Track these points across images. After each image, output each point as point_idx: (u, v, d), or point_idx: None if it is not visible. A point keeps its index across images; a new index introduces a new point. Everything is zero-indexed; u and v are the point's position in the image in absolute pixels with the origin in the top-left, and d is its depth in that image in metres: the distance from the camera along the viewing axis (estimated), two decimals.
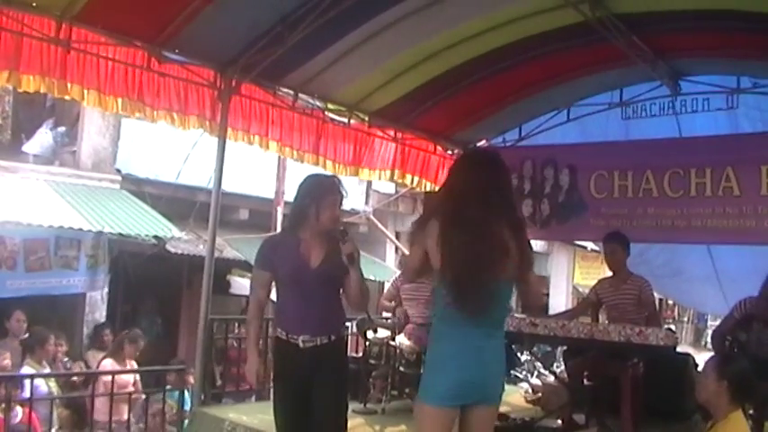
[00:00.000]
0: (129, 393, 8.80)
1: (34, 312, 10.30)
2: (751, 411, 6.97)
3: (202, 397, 7.73)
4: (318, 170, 8.76)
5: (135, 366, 9.74)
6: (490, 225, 4.06)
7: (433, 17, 7.56)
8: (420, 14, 7.48)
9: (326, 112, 9.04)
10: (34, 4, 6.17)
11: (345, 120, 9.23)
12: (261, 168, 13.08)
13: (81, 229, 10.59)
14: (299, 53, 7.63)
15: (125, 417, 8.78)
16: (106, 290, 12.23)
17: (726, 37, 7.99)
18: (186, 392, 8.72)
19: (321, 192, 5.08)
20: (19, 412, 7.81)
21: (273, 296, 5.27)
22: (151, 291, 14.19)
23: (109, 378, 8.47)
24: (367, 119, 9.36)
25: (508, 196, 4.37)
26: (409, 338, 7.56)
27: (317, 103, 8.88)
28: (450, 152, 10.77)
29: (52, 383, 8.72)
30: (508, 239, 4.09)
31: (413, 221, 4.88)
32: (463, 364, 3.97)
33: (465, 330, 3.99)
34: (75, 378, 9.42)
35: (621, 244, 7.87)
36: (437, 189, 4.64)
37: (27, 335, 9.56)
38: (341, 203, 5.13)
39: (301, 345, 4.92)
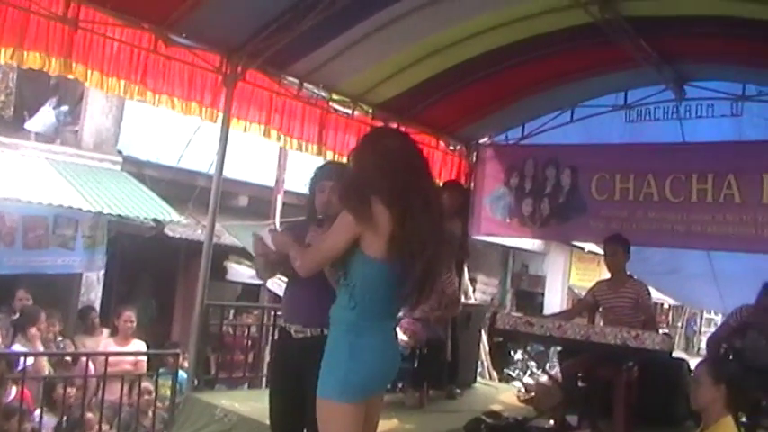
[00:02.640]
0: (120, 374, 8.79)
1: (29, 290, 10.27)
2: (743, 419, 6.99)
3: (195, 382, 7.72)
4: (320, 160, 8.75)
5: (143, 345, 9.74)
6: (440, 209, 3.93)
7: (442, 12, 7.55)
8: (429, 9, 7.47)
9: (330, 103, 9.02)
10: None
11: (349, 111, 9.21)
12: (262, 156, 13.06)
13: (80, 209, 10.59)
14: (307, 42, 7.61)
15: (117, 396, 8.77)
16: (103, 271, 12.21)
17: (732, 44, 7.98)
18: (183, 375, 8.69)
19: (316, 178, 5.05)
20: (13, 391, 7.80)
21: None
22: (147, 273, 14.21)
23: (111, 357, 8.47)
24: (371, 111, 9.35)
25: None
26: (404, 333, 7.55)
27: (322, 93, 8.86)
28: (452, 148, 10.77)
29: (44, 362, 8.70)
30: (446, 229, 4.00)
31: (320, 200, 4.78)
32: (386, 356, 3.85)
33: (385, 323, 3.87)
34: (67, 358, 9.38)
35: (622, 246, 7.86)
36: (349, 159, 4.08)
37: (18, 314, 9.52)
38: (335, 188, 4.71)
39: (293, 334, 4.89)
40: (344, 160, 6.09)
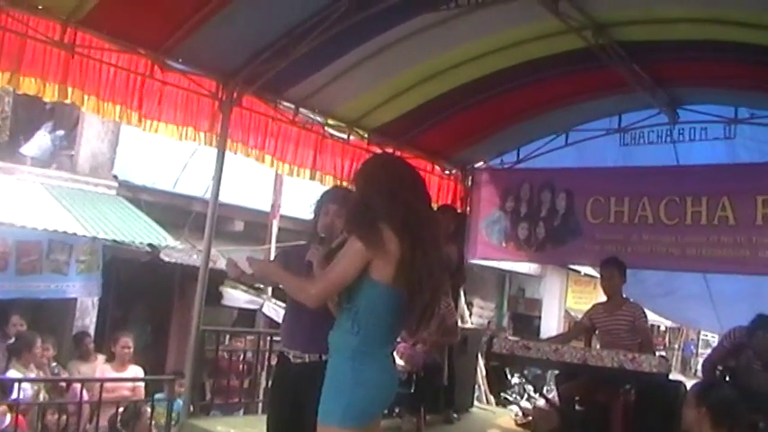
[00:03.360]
0: (116, 400, 8.76)
1: (23, 316, 10.24)
2: None
3: (191, 408, 7.69)
4: (316, 185, 8.77)
5: (140, 371, 9.70)
6: (440, 238, 3.92)
7: (437, 37, 7.61)
8: (424, 34, 7.53)
9: (326, 128, 9.05)
10: (40, 7, 6.18)
11: (345, 136, 9.24)
12: (258, 180, 13.06)
13: (75, 234, 10.55)
14: (302, 67, 7.65)
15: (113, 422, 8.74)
16: (97, 296, 12.17)
17: (725, 68, 8.06)
18: (178, 402, 8.66)
19: (322, 201, 5.05)
20: (8, 417, 7.76)
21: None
22: (143, 299, 14.14)
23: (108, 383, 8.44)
24: (366, 136, 9.37)
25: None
26: (401, 357, 7.53)
27: (318, 118, 8.89)
28: (447, 172, 10.80)
29: (39, 388, 8.66)
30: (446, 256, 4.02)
31: (324, 222, 4.78)
32: (388, 381, 3.82)
33: (386, 349, 3.84)
34: (62, 384, 9.34)
35: (619, 270, 7.86)
36: (354, 183, 3.96)
37: (13, 339, 9.49)
38: (339, 213, 4.75)
39: (292, 359, 4.88)
40: (343, 185, 6.09)
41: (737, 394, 5.30)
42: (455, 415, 8.66)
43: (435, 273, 3.71)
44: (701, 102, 9.18)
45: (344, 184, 8.77)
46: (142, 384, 9.45)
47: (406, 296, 3.65)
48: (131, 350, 9.73)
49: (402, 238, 3.61)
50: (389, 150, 9.60)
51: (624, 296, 7.97)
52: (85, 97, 6.71)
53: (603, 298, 8.12)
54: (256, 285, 11.86)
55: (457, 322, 8.75)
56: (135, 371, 9.64)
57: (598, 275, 8.50)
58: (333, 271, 3.71)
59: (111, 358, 9.86)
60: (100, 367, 9.72)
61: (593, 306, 8.22)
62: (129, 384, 9.30)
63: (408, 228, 3.64)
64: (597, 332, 7.94)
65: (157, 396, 8.81)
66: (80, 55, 6.57)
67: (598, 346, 7.79)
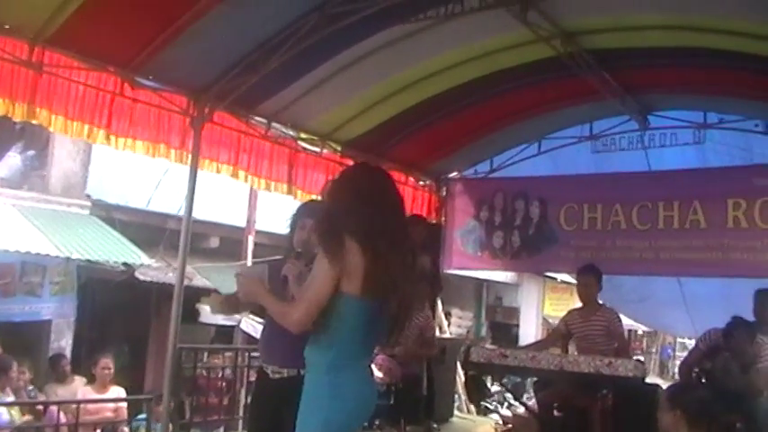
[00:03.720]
0: (97, 422, 8.69)
1: None
2: None
3: (170, 427, 7.64)
4: (290, 200, 8.75)
5: (122, 391, 9.62)
6: (410, 248, 3.84)
7: (407, 50, 7.63)
8: (395, 46, 7.55)
9: (299, 142, 9.04)
10: (7, 26, 6.14)
11: (318, 149, 9.23)
12: (232, 196, 13.03)
13: (48, 255, 10.49)
14: (273, 82, 7.65)
15: None
16: (73, 317, 12.09)
17: (693, 73, 8.16)
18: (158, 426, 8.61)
19: (297, 215, 5.04)
20: None
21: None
22: (119, 318, 14.04)
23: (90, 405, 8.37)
24: (340, 149, 9.37)
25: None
26: (379, 369, 7.53)
27: (290, 132, 8.88)
28: (421, 183, 10.82)
29: (15, 412, 8.58)
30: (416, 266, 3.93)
31: (299, 237, 4.72)
32: (365, 394, 3.79)
33: (362, 362, 3.80)
34: (39, 407, 9.25)
35: (596, 277, 7.91)
36: (324, 196, 3.88)
37: None
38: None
39: (271, 375, 4.86)
40: (318, 198, 6.05)
41: (712, 395, 5.33)
42: (435, 425, 8.66)
43: (401, 283, 3.66)
44: (670, 108, 9.27)
45: (319, 197, 8.78)
46: (125, 405, 9.37)
47: (375, 308, 3.61)
48: (112, 371, 9.65)
49: (365, 250, 3.57)
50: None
51: (599, 302, 8.01)
52: (53, 117, 6.65)
53: (580, 304, 8.16)
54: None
55: (435, 334, 8.76)
56: (117, 392, 9.55)
57: (575, 282, 8.53)
58: (308, 292, 3.66)
59: (91, 380, 9.76)
60: (81, 389, 9.60)
61: (569, 312, 8.26)
62: (112, 405, 9.21)
63: (371, 238, 3.60)
64: (573, 338, 7.97)
65: (139, 417, 8.75)
66: (48, 74, 6.52)
67: (575, 352, 7.83)
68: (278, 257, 5.37)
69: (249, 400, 5.22)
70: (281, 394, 4.67)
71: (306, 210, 5.08)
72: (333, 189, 3.96)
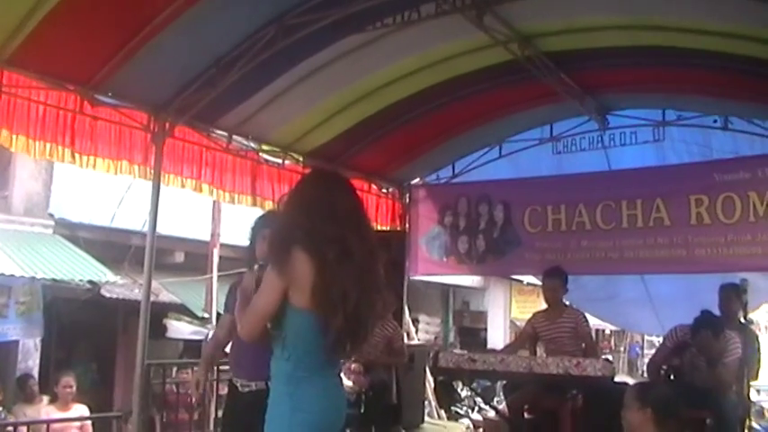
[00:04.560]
0: None
1: None
2: None
3: None
4: (254, 212, 8.73)
5: (85, 409, 9.54)
6: (370, 255, 3.72)
7: (365, 58, 7.66)
8: (352, 55, 7.58)
9: (261, 154, 9.04)
10: None
11: (280, 161, 9.24)
12: (196, 211, 12.98)
13: (13, 275, 10.38)
14: (233, 95, 7.65)
15: None
16: (40, 337, 11.98)
17: (650, 72, 8.24)
18: None
19: (257, 227, 5.04)
20: None
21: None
22: (86, 337, 13.94)
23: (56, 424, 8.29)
24: (302, 159, 9.37)
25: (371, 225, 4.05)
26: (349, 378, 7.54)
27: (252, 145, 8.87)
28: (384, 191, 10.84)
29: None
30: (382, 280, 3.80)
31: (261, 248, 4.66)
32: (330, 404, 3.70)
33: (324, 371, 3.69)
34: (9, 428, 9.16)
35: (562, 280, 7.90)
36: (274, 211, 3.73)
37: None
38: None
39: (240, 388, 4.86)
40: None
41: (680, 391, 5.35)
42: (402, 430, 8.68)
43: (351, 293, 3.54)
44: (629, 107, 9.38)
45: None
46: (89, 423, 9.29)
47: (322, 320, 3.53)
48: (74, 389, 9.55)
49: (313, 261, 3.51)
50: None
51: (565, 303, 8.04)
52: (14, 137, 6.62)
53: (546, 306, 8.18)
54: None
55: (404, 344, 8.78)
56: (80, 410, 9.47)
57: (540, 284, 8.55)
58: (255, 304, 3.64)
59: (54, 399, 9.68)
60: (44, 409, 9.52)
61: (534, 314, 8.25)
62: (77, 424, 9.13)
63: (318, 249, 3.53)
64: (541, 340, 7.99)
65: None
66: (7, 94, 6.49)
67: (543, 355, 7.85)
68: (243, 270, 5.37)
69: (221, 413, 5.20)
70: (251, 408, 4.62)
71: (265, 221, 5.08)
72: (286, 200, 3.93)
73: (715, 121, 9.00)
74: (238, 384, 4.87)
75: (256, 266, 4.27)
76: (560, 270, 8.05)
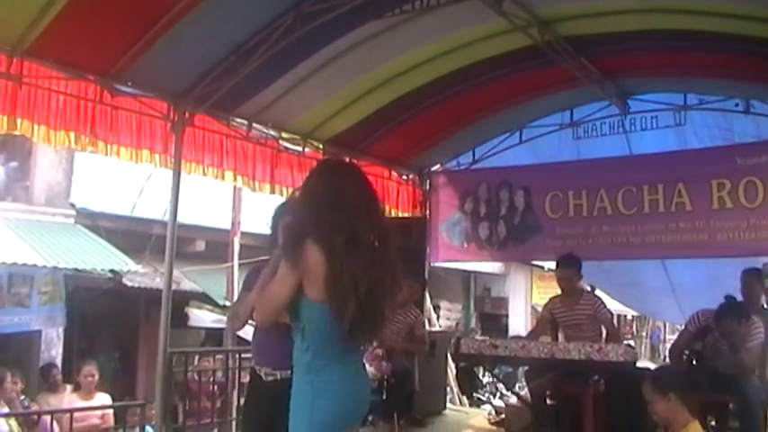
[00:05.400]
0: (87, 430, 8.66)
1: None
2: (713, 423, 7.07)
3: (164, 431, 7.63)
4: (275, 199, 8.74)
5: (107, 398, 9.60)
6: (384, 246, 3.75)
7: (385, 44, 7.64)
8: (371, 42, 7.56)
9: (281, 142, 9.04)
10: None
11: (300, 148, 9.24)
12: (216, 199, 13.01)
13: (35, 266, 10.43)
14: (252, 83, 7.65)
15: None
16: (62, 326, 12.05)
17: (671, 56, 8.17)
18: (149, 429, 8.59)
19: (277, 216, 5.03)
20: None
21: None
22: (108, 326, 14.02)
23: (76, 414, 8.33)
24: (321, 147, 9.37)
25: (385, 217, 4.05)
26: (371, 365, 7.55)
27: (271, 133, 8.87)
28: (405, 177, 10.84)
29: (12, 422, 8.55)
30: (396, 264, 3.80)
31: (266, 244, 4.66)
32: (352, 390, 3.74)
33: (345, 359, 3.72)
34: (34, 417, 9.23)
35: (576, 268, 7.80)
36: (294, 197, 3.71)
37: None
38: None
39: (264, 377, 4.85)
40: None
41: (702, 375, 5.31)
42: (419, 418, 8.71)
43: (362, 281, 3.55)
44: (650, 91, 9.32)
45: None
46: (111, 411, 9.35)
47: (334, 310, 3.55)
48: (96, 378, 9.62)
49: (324, 253, 3.53)
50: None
51: (582, 288, 8.00)
52: (35, 127, 6.63)
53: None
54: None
55: (426, 332, 8.80)
56: (102, 398, 9.54)
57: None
58: (266, 294, 3.71)
59: (77, 388, 9.75)
60: (67, 398, 9.59)
61: (551, 300, 8.18)
62: (99, 412, 9.20)
63: (329, 240, 3.55)
64: (560, 326, 7.95)
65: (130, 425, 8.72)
66: (28, 85, 6.50)
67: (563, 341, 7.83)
68: (264, 259, 5.37)
69: (242, 401, 5.19)
70: (273, 396, 4.63)
71: (285, 209, 5.07)
72: (300, 190, 3.92)
73: (737, 105, 8.93)
74: (262, 373, 4.85)
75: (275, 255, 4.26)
76: (573, 258, 7.95)
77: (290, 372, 4.45)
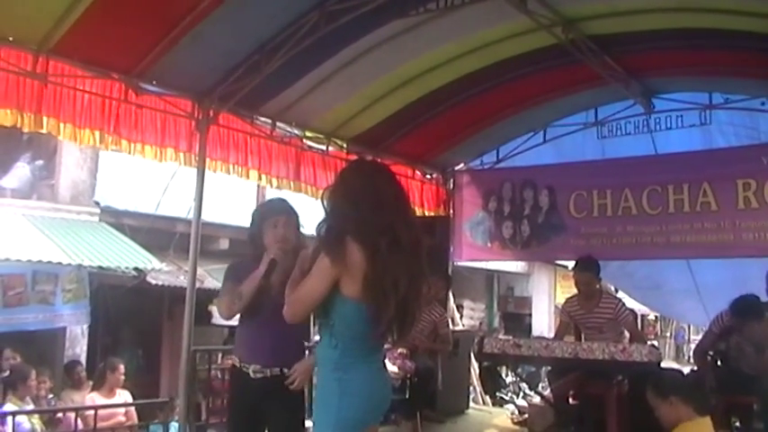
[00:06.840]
0: (113, 427, 8.70)
1: (14, 349, 10.20)
2: (737, 424, 7.02)
3: (187, 430, 7.66)
4: (299, 198, 8.74)
5: (128, 395, 9.65)
6: (416, 242, 3.74)
7: (409, 43, 7.64)
8: (395, 41, 7.56)
9: (304, 140, 9.06)
10: (11, 38, 6.17)
11: (323, 147, 9.25)
12: (240, 197, 13.04)
13: (60, 263, 10.49)
14: (276, 82, 7.67)
15: None
16: (86, 324, 12.11)
17: (696, 54, 8.12)
18: (174, 426, 8.61)
19: (261, 215, 5.03)
20: None
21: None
22: (132, 323, 14.09)
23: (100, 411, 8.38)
24: (345, 146, 9.38)
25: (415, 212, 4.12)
26: (393, 364, 7.55)
27: (295, 132, 8.89)
28: (428, 176, 10.83)
29: (36, 420, 8.61)
30: (426, 266, 3.81)
31: (274, 235, 4.73)
32: (376, 388, 3.77)
33: (371, 358, 3.76)
34: (59, 414, 9.29)
35: (594, 272, 7.79)
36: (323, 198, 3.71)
37: (8, 372, 9.44)
38: (289, 223, 4.89)
39: (252, 375, 4.80)
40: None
41: (727, 376, 5.26)
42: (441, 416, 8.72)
43: (402, 282, 3.58)
44: (675, 90, 9.25)
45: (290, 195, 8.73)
46: (133, 408, 9.39)
47: (374, 309, 3.56)
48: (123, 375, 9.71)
49: (365, 251, 3.54)
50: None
51: (600, 289, 7.94)
52: (61, 125, 6.68)
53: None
54: None
55: (448, 332, 8.78)
56: (124, 396, 9.60)
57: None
58: (303, 289, 3.69)
59: (100, 385, 9.76)
60: (89, 395, 9.65)
61: (567, 300, 8.17)
62: (122, 410, 9.25)
63: (370, 240, 3.56)
64: (580, 328, 7.89)
65: (156, 422, 8.74)
66: (53, 84, 6.56)
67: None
68: (239, 260, 5.42)
69: (228, 398, 5.14)
70: (263, 394, 4.67)
71: (273, 206, 5.08)
72: (331, 190, 3.91)
73: (763, 104, 8.85)
74: (250, 370, 4.76)
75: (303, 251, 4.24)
76: (591, 261, 7.92)
77: (279, 370, 4.52)
